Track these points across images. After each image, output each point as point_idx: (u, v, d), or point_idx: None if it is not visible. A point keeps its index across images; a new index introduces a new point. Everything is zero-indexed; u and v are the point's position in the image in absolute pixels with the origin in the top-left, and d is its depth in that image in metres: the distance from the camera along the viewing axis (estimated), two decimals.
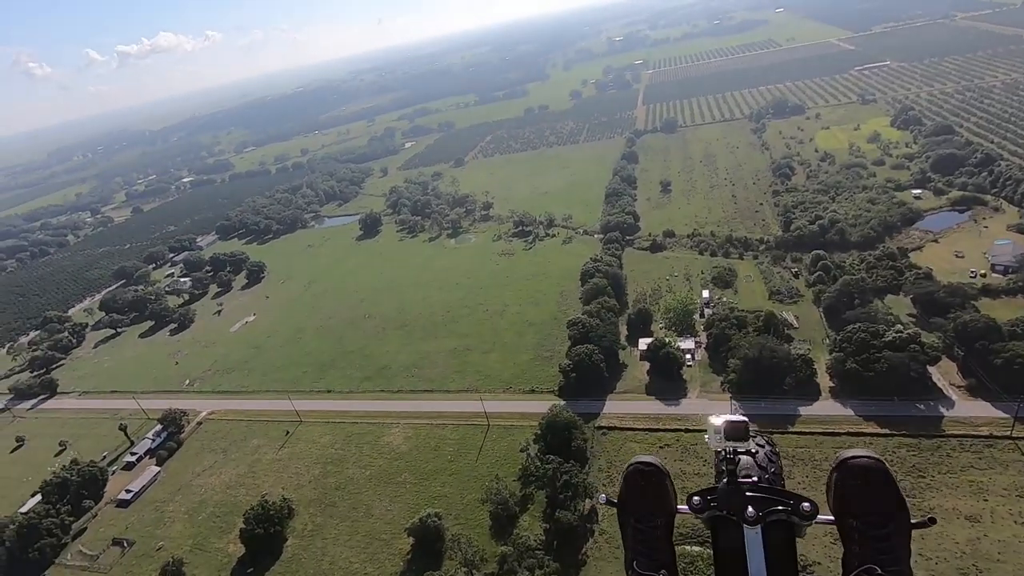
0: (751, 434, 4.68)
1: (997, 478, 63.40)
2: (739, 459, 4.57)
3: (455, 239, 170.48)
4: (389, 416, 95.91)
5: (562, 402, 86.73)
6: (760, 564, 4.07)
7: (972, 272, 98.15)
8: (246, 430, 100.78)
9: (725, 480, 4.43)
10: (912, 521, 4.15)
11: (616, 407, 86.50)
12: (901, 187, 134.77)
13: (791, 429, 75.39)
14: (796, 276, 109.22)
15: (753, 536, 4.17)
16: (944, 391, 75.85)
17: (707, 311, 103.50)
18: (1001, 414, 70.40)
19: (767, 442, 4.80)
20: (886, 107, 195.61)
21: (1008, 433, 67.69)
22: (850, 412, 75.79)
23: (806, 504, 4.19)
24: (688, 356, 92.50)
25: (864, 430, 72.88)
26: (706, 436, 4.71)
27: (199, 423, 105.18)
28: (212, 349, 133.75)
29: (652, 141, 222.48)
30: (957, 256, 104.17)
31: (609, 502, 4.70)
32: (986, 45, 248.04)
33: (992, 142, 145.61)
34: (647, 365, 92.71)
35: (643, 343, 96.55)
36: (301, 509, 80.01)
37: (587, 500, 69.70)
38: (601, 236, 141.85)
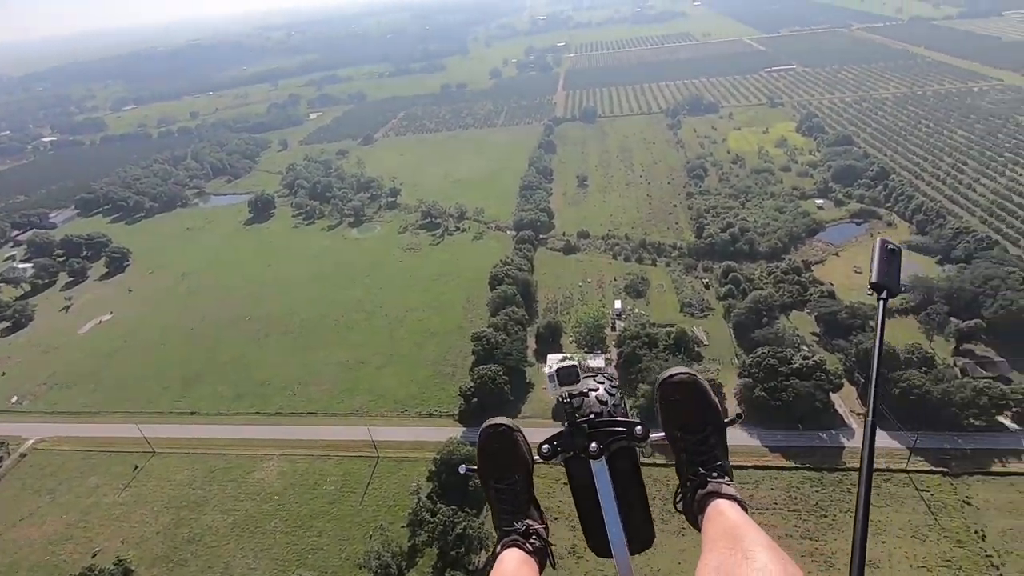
0: (591, 373, 5.07)
1: (894, 516, 62.79)
2: (582, 400, 4.82)
3: (357, 229, 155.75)
4: (263, 445, 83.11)
5: (461, 431, 78.59)
6: (608, 490, 4.50)
7: (870, 289, 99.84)
8: (83, 464, 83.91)
9: (566, 423, 4.75)
10: (725, 420, 4.76)
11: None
12: (805, 195, 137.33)
13: None
14: (707, 287, 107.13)
15: (599, 468, 4.53)
16: (845, 419, 75.38)
17: (619, 324, 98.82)
18: (897, 445, 70.40)
19: (606, 377, 5.09)
20: (792, 112, 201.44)
21: (903, 466, 67.63)
22: (757, 443, 73.35)
23: (638, 428, 4.59)
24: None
25: (770, 463, 70.55)
26: (544, 388, 5.17)
27: (22, 455, 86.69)
28: (52, 356, 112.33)
29: (571, 130, 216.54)
30: (856, 271, 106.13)
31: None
32: (879, 57, 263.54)
33: (885, 155, 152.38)
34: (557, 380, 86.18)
35: (551, 359, 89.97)
36: (142, 571, 66.43)
37: (483, 552, 62.27)
38: (514, 233, 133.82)
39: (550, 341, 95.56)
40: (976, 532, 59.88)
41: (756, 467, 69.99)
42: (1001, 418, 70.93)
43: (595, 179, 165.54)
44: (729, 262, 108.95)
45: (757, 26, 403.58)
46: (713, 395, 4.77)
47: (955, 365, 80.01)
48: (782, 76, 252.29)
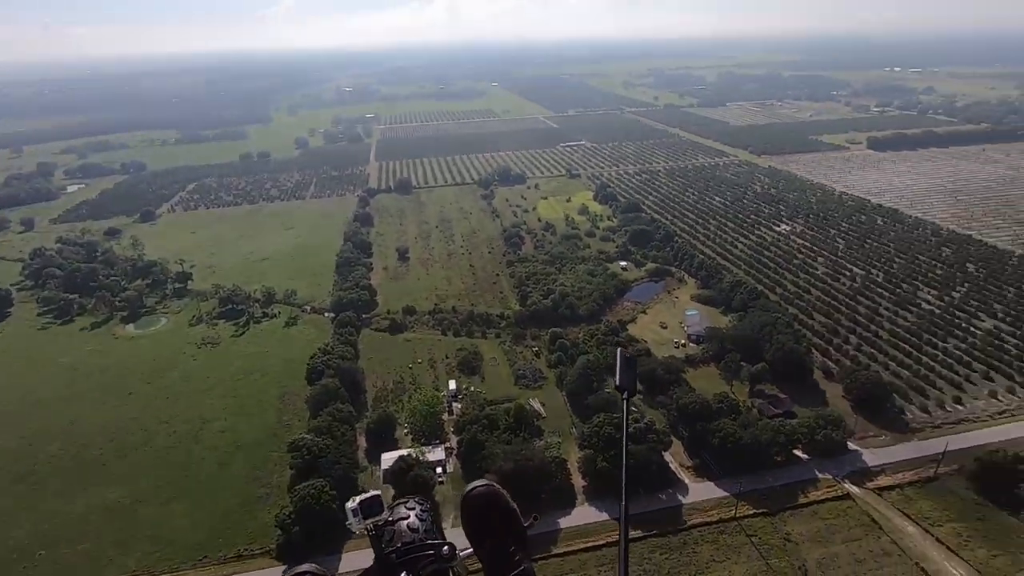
0: (402, 500, 5.16)
1: (735, 568, 65.28)
2: (393, 531, 4.88)
3: (134, 324, 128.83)
4: None
5: (280, 571, 64.33)
6: None
7: (676, 343, 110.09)
8: None
9: (374, 558, 4.77)
10: (524, 525, 4.96)
11: (357, 560, 67.62)
12: (610, 258, 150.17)
13: (554, 551, 67.96)
14: (538, 356, 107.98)
15: None
16: (678, 474, 78.64)
17: (455, 406, 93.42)
18: (724, 493, 75.01)
19: (417, 502, 5.17)
20: (588, 182, 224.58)
21: (733, 513, 71.79)
22: (605, 516, 72.24)
23: (445, 548, 4.70)
24: (439, 470, 79.83)
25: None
26: (347, 523, 4.98)
27: None
28: None
29: (387, 201, 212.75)
30: (662, 327, 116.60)
31: None
32: (649, 136, 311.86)
33: (667, 219, 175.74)
34: (392, 490, 76.64)
35: (386, 459, 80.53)
36: None
37: None
38: (333, 316, 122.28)
39: (383, 437, 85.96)
40: (800, 568, 64.76)
41: (608, 544, 68.39)
42: (796, 451, 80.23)
43: (416, 251, 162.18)
44: (555, 328, 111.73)
45: (548, 106, 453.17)
46: (511, 502, 4.95)
47: (753, 407, 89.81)
48: (575, 150, 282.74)
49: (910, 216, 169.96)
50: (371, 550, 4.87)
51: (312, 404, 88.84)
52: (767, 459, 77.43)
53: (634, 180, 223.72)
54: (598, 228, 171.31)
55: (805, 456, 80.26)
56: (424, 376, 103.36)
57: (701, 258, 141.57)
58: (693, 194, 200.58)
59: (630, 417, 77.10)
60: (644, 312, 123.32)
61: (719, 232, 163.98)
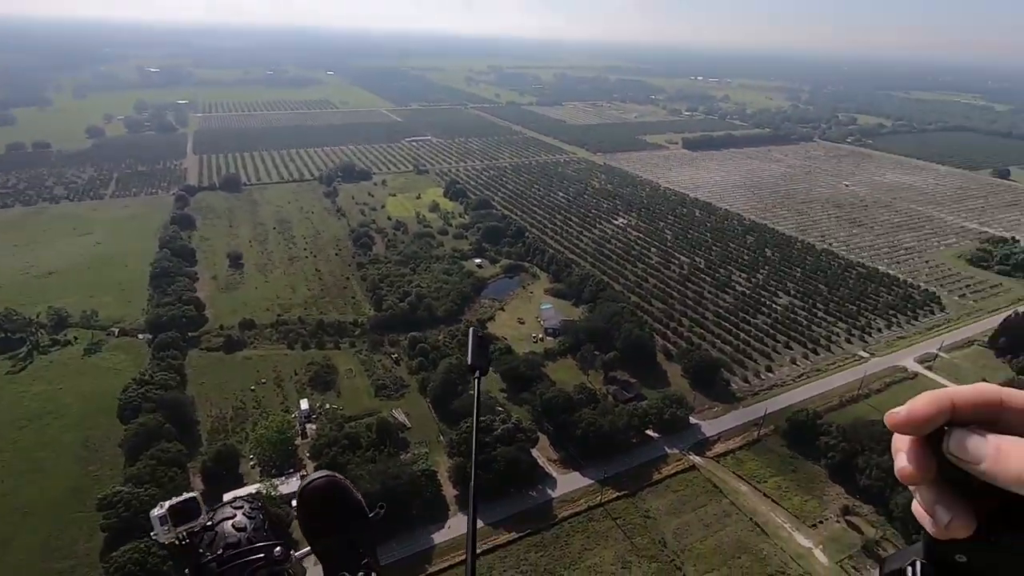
0: (227, 501, 4.62)
1: (604, 553, 68.22)
2: (212, 535, 4.31)
3: None
4: None
5: None
6: None
7: (534, 337, 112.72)
8: None
9: (188, 571, 4.15)
10: (369, 516, 4.59)
11: None
12: (465, 256, 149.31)
13: (430, 570, 65.00)
14: (398, 363, 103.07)
15: None
16: (546, 469, 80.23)
17: (310, 428, 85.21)
18: (590, 481, 78.18)
19: (246, 500, 4.68)
20: (437, 178, 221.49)
21: (599, 499, 75.08)
22: (481, 523, 71.02)
23: (277, 549, 4.25)
24: (294, 503, 71.72)
25: (498, 541, 68.90)
26: (152, 534, 4.36)
27: None
28: None
29: (212, 200, 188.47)
30: (520, 323, 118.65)
31: None
32: (493, 132, 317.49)
33: (517, 215, 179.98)
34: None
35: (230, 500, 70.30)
36: None
37: None
38: (149, 338, 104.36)
39: (224, 475, 75.15)
40: (659, 542, 69.78)
41: (484, 552, 67.24)
42: (648, 432, 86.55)
43: (251, 256, 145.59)
44: (414, 333, 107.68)
45: (390, 99, 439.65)
46: (354, 493, 4.59)
47: (608, 393, 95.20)
48: (421, 145, 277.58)
49: (720, 208, 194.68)
50: None
51: (128, 448, 74.49)
52: (625, 443, 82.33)
53: (483, 176, 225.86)
54: (451, 225, 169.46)
55: (656, 435, 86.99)
56: (271, 398, 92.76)
57: (551, 252, 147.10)
58: (539, 190, 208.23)
59: (481, 396, 76.80)
60: (502, 309, 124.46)
61: (565, 227, 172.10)
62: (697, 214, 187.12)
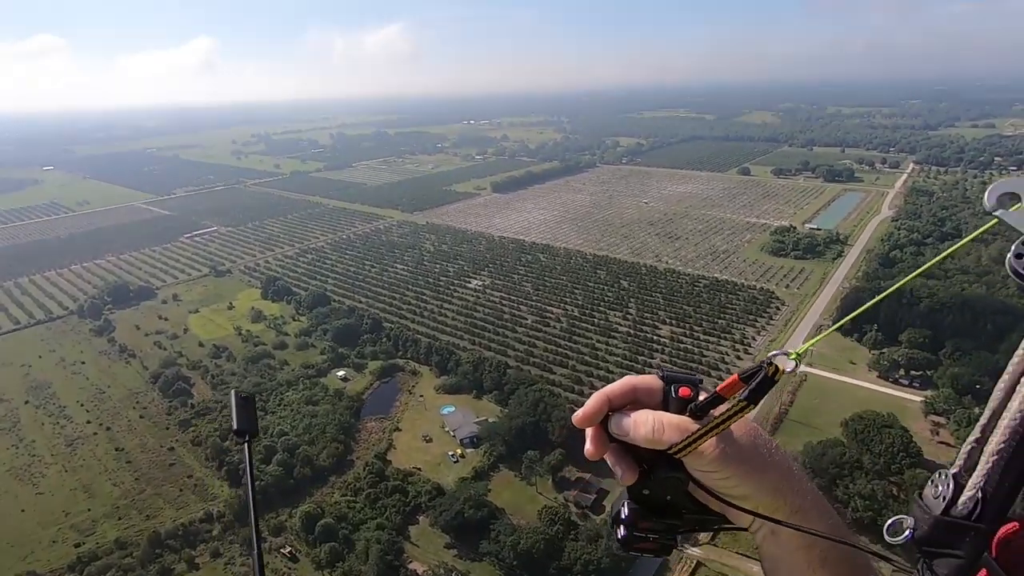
0: None
1: None
2: None
3: None
4: None
5: None
6: None
7: (452, 456, 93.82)
8: None
9: None
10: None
11: None
12: (321, 371, 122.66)
13: None
14: (295, 558, 75.30)
15: None
16: None
17: None
18: None
19: None
20: (246, 278, 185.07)
21: None
22: None
23: None
24: None
25: None
26: None
27: None
28: None
29: None
30: (427, 441, 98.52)
31: None
32: (289, 209, 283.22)
33: (362, 303, 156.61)
34: None
35: None
36: None
37: None
38: None
39: None
40: None
41: None
42: None
43: None
44: (303, 507, 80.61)
45: (145, 189, 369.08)
46: None
47: (568, 502, 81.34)
48: (210, 240, 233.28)
49: (559, 247, 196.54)
50: None
51: None
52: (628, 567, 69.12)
53: (300, 264, 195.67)
54: (287, 335, 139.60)
55: None
56: None
57: (423, 340, 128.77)
58: (373, 266, 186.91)
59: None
60: (398, 428, 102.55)
61: (421, 303, 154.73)
62: (543, 259, 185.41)
